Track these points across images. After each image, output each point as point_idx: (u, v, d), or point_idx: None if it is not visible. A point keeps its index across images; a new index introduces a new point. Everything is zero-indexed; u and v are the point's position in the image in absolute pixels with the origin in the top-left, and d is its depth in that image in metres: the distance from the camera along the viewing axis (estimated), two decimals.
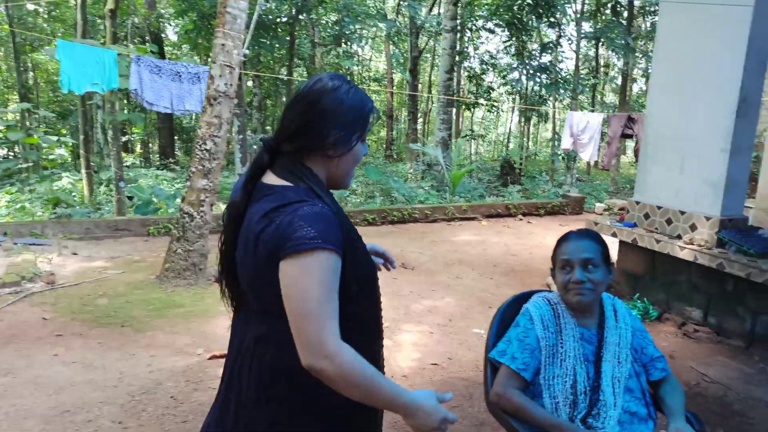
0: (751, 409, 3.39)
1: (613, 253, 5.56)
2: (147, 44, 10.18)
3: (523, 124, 19.27)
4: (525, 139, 20.91)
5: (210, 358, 3.82)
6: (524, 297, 2.24)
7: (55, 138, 9.41)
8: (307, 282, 1.17)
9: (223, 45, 5.08)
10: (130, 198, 9.41)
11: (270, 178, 1.34)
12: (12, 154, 14.19)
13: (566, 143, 8.68)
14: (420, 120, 23.18)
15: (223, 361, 3.77)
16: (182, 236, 5.28)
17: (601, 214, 9.76)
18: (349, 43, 13.84)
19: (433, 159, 12.00)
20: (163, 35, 18.41)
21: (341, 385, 1.18)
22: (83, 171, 12.26)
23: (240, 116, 10.33)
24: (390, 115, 24.94)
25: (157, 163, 18.96)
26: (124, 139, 20.73)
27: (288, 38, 11.39)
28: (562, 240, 2.05)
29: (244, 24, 5.27)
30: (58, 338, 4.11)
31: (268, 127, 25.49)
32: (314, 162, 1.35)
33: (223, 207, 11.63)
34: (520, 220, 9.11)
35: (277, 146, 1.35)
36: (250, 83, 20.26)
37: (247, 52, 5.13)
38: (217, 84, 5.11)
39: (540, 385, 1.95)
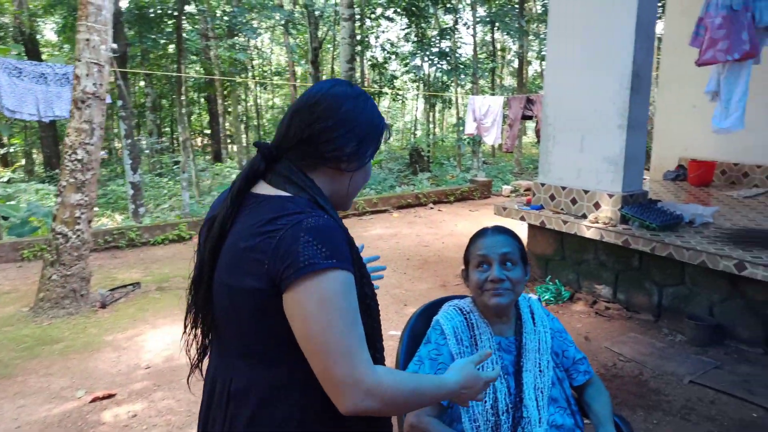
0: (666, 386, 3.38)
1: (523, 237, 5.58)
2: (10, 44, 9.13)
3: (428, 111, 19.39)
4: (431, 125, 21.08)
5: (92, 401, 3.34)
6: (434, 305, 1.99)
7: None
8: (330, 313, 1.01)
9: (87, 40, 4.49)
10: (5, 218, 8.42)
11: (263, 189, 1.17)
12: None
13: (470, 128, 8.66)
14: None
15: (107, 402, 3.32)
16: (57, 260, 4.67)
17: (508, 196, 9.90)
18: (245, 36, 13.22)
19: None
20: (40, 35, 16.86)
21: (388, 413, 1.09)
22: None
23: (126, 119, 9.52)
24: None
25: (43, 175, 17.39)
26: (1, 151, 18.86)
27: (174, 32, 10.63)
28: (477, 236, 1.82)
29: (111, 16, 4.70)
30: None
31: (166, 129, 24.16)
32: (320, 174, 1.20)
33: (105, 221, 10.82)
34: (431, 208, 9.02)
35: (277, 153, 1.19)
36: (142, 83, 19.06)
37: (114, 46, 4.56)
38: (84, 85, 4.53)
39: (458, 409, 1.72)
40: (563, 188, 4.82)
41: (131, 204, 9.92)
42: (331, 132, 1.15)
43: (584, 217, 4.62)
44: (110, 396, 3.40)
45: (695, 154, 6.63)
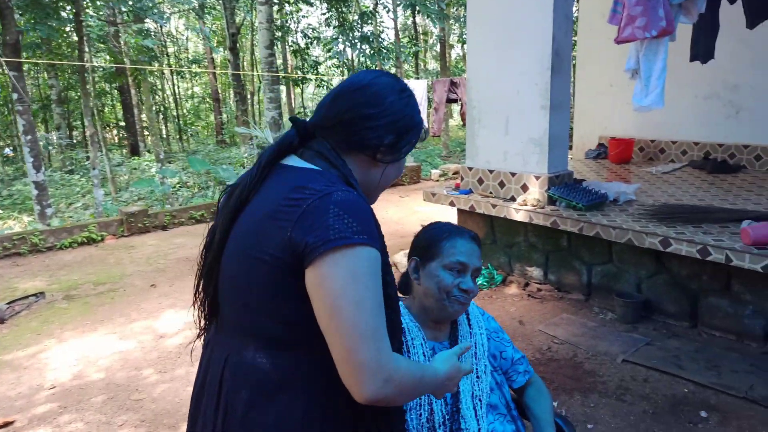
0: (600, 366, 3.37)
1: (452, 222, 5.52)
2: None
3: None
4: None
5: None
6: None
7: None
8: (360, 291, 0.96)
9: None
10: None
11: (293, 161, 1.15)
12: None
13: None
14: (249, 101, 22.03)
15: (4, 431, 2.95)
16: None
17: (437, 181, 9.87)
18: (156, 21, 12.43)
19: (264, 141, 11.26)
20: None
21: (397, 402, 1.04)
22: None
23: (24, 113, 8.71)
24: (216, 98, 23.49)
25: None
26: None
27: (72, 18, 9.81)
28: (451, 235, 1.60)
29: None
30: None
31: (76, 122, 22.61)
32: (354, 160, 1.17)
33: (12, 223, 9.91)
34: None
35: (312, 131, 1.18)
36: (45, 74, 17.65)
37: None
38: None
39: None
40: (491, 171, 4.75)
41: (36, 205, 9.12)
42: (375, 120, 1.14)
43: (513, 199, 4.57)
44: (7, 424, 3.03)
45: (615, 132, 6.78)
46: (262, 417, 1.08)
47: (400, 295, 1.70)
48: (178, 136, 26.98)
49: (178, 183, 13.20)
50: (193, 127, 27.47)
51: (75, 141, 21.91)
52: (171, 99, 26.92)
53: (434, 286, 1.57)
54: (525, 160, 4.46)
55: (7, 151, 18.81)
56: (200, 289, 1.20)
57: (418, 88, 8.38)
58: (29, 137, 8.80)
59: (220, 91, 24.79)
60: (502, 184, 4.69)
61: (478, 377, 1.65)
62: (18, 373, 3.59)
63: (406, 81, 8.91)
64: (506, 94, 4.47)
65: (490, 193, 4.79)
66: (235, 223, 1.13)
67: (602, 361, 3.43)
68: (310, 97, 27.78)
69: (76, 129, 23.31)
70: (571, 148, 7.18)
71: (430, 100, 9.27)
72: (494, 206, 4.56)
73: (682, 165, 6.03)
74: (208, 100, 27.19)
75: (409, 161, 11.13)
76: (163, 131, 27.88)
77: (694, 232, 3.55)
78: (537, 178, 4.39)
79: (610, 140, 6.51)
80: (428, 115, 9.17)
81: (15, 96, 8.59)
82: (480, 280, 4.69)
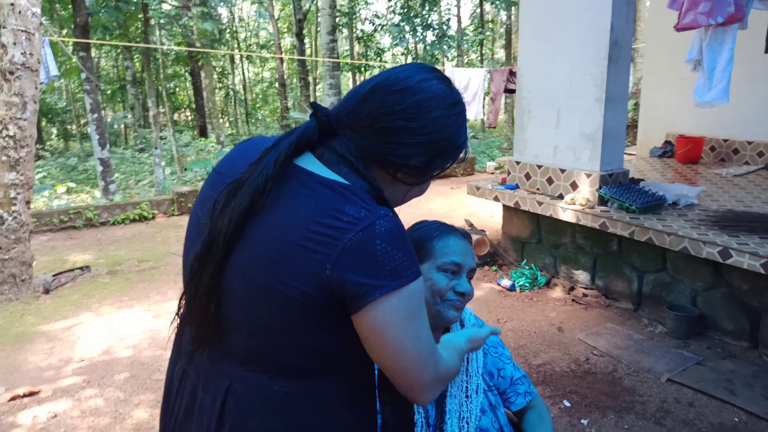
0: (641, 384, 3.08)
1: (497, 217, 5.30)
2: None
3: None
4: None
5: (11, 399, 3.03)
6: None
7: None
8: (417, 326, 0.93)
9: (12, 5, 4.06)
10: None
11: (311, 164, 0.97)
12: None
13: None
14: (312, 87, 22.20)
15: (28, 401, 3.01)
16: None
17: (492, 173, 9.54)
18: (223, 5, 12.67)
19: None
20: None
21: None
22: None
23: (91, 93, 9.06)
24: (282, 83, 23.85)
25: None
26: None
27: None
28: (441, 233, 1.44)
29: None
30: None
31: (149, 102, 23.55)
32: (375, 173, 1.00)
33: (84, 197, 10.26)
34: None
35: (336, 126, 0.99)
36: (121, 57, 18.39)
37: (37, 11, 4.14)
38: (12, 54, 4.11)
39: None
40: (539, 167, 4.48)
41: (101, 181, 9.53)
42: (411, 135, 0.97)
43: (561, 198, 4.28)
44: (33, 394, 3.10)
45: (683, 130, 6.28)
46: None
47: None
48: (245, 120, 27.70)
49: None
50: (260, 111, 28.06)
51: (148, 121, 22.83)
52: (241, 84, 27.59)
53: (427, 290, 1.39)
54: (576, 156, 4.16)
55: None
56: (196, 306, 0.98)
57: (475, 77, 8.09)
58: (95, 116, 9.16)
59: (286, 76, 25.15)
60: (550, 181, 4.41)
61: (467, 397, 1.47)
62: (52, 344, 3.69)
63: (461, 70, 8.68)
64: (558, 84, 4.17)
65: (537, 189, 4.52)
66: (242, 233, 0.93)
67: (644, 379, 3.14)
68: None
69: (148, 110, 24.30)
70: (634, 144, 6.72)
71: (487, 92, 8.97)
72: (540, 204, 4.29)
73: (757, 168, 5.50)
74: (275, 85, 27.69)
75: None
76: (232, 114, 28.69)
77: (759, 243, 3.18)
78: (588, 175, 4.09)
79: (677, 138, 6.03)
80: (485, 105, 8.85)
81: (83, 76, 8.95)
82: (522, 281, 4.45)
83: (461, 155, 1.07)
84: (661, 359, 3.32)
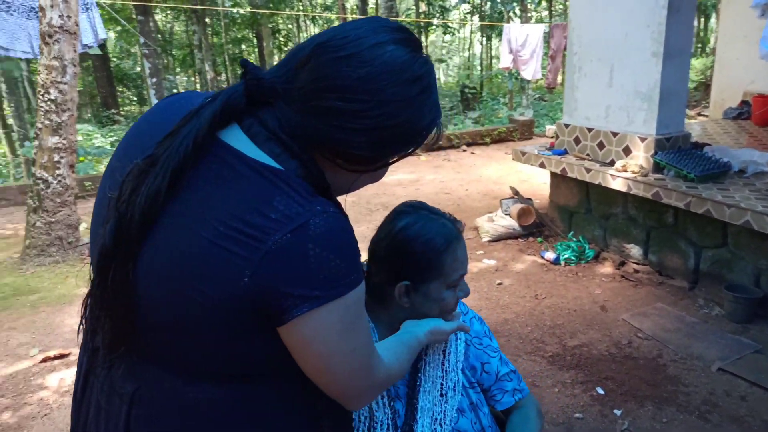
0: (688, 373, 2.79)
1: (545, 185, 4.96)
2: None
3: (483, 44, 18.19)
4: (485, 60, 19.83)
5: (43, 361, 3.12)
6: None
7: None
8: (352, 338, 0.81)
9: None
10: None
11: (238, 140, 0.79)
12: None
13: (505, 61, 7.79)
14: None
15: (58, 363, 3.09)
16: (39, 206, 4.46)
17: (552, 137, 9.04)
18: None
19: None
20: None
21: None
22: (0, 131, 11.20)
23: (150, 57, 9.22)
24: None
25: (102, 116, 17.64)
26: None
27: None
28: (449, 243, 1.21)
29: None
30: None
31: (206, 66, 23.95)
32: (316, 155, 0.84)
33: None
34: (464, 151, 8.33)
35: (269, 93, 0.80)
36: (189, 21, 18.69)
37: None
38: (50, 17, 4.14)
39: None
40: (589, 130, 4.10)
41: None
42: (352, 119, 0.79)
43: (612, 164, 3.92)
44: (63, 356, 3.18)
45: (763, 89, 5.61)
46: None
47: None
48: None
49: None
50: None
51: (216, 86, 23.24)
52: None
53: (435, 309, 1.23)
54: (630, 118, 3.77)
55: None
56: (102, 306, 0.82)
57: (533, 33, 7.58)
58: (154, 80, 9.34)
59: None
60: (601, 146, 4.03)
61: (442, 395, 1.29)
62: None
63: (518, 25, 8.12)
64: (612, 37, 3.76)
65: (587, 155, 4.16)
66: (154, 220, 0.77)
67: (692, 367, 2.84)
68: (444, 45, 27.00)
69: (219, 74, 24.73)
70: (706, 105, 6.10)
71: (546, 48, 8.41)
72: (589, 171, 3.95)
73: None
74: None
75: (527, 114, 10.30)
76: None
77: None
78: (642, 139, 3.70)
79: (754, 98, 5.39)
80: (544, 63, 8.32)
81: (141, 40, 9.10)
82: (568, 254, 4.15)
83: (428, 138, 0.88)
84: (714, 345, 2.99)
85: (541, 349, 3.07)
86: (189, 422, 0.84)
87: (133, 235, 0.77)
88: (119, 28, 13.55)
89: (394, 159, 0.88)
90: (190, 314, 0.77)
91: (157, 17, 18.61)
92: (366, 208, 5.68)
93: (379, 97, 0.78)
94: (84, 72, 20.27)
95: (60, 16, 4.15)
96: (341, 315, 0.77)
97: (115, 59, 19.17)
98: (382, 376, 0.91)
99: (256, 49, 22.27)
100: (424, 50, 0.87)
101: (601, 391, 2.69)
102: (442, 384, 1.30)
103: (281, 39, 27.02)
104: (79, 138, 11.59)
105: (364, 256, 1.10)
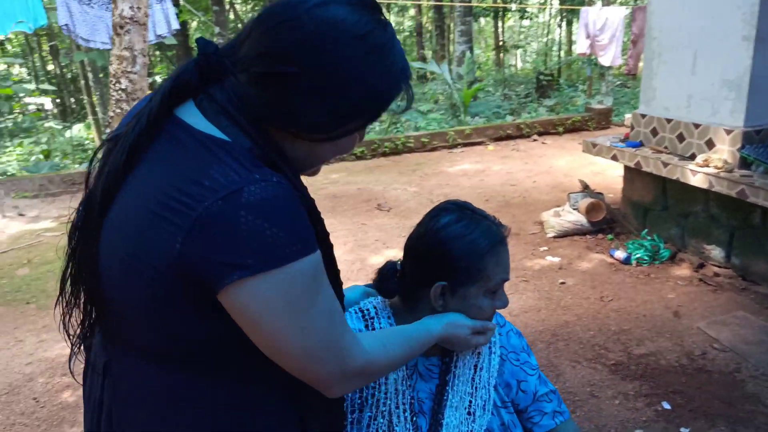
0: None
1: (620, 179, 4.65)
2: None
3: (563, 28, 17.48)
4: (564, 45, 19.05)
5: None
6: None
7: (32, 87, 8.85)
8: (302, 317, 0.76)
9: None
10: None
11: (191, 115, 0.80)
12: None
13: (582, 46, 7.39)
14: (447, 35, 21.46)
15: None
16: None
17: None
18: None
19: (439, 77, 10.80)
20: None
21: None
22: (90, 118, 11.87)
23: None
24: (419, 32, 23.41)
25: None
26: (149, 80, 20.25)
27: None
28: (493, 245, 1.13)
29: None
30: None
31: None
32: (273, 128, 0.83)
33: None
34: (534, 140, 8.01)
35: (221, 68, 0.80)
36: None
37: None
38: (122, 9, 4.27)
39: None
40: (668, 121, 3.79)
41: None
42: (295, 84, 0.76)
43: (693, 158, 3.60)
44: None
45: None
46: None
47: (380, 301, 1.27)
48: None
49: None
50: (414, 62, 27.91)
51: None
52: None
53: (470, 316, 1.15)
54: (714, 109, 3.44)
55: None
56: (77, 286, 0.89)
57: (613, 17, 7.13)
58: None
59: (423, 24, 24.60)
60: (681, 138, 3.72)
61: (470, 413, 1.19)
62: None
63: (596, 8, 7.64)
64: (696, 20, 3.43)
65: (665, 147, 3.84)
66: (115, 194, 0.81)
67: None
68: (519, 30, 26.24)
69: None
70: None
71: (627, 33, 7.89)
72: (666, 165, 3.65)
73: None
74: (412, 34, 27.27)
75: (606, 102, 9.76)
76: None
77: None
78: (728, 132, 3.37)
79: None
80: (624, 49, 7.83)
81: (216, 30, 9.34)
82: (640, 253, 3.87)
83: (394, 103, 0.82)
84: None
85: (603, 356, 2.87)
86: (145, 401, 0.85)
87: (95, 212, 0.81)
88: (197, 19, 14.02)
89: (356, 126, 0.83)
90: (137, 287, 0.77)
91: (238, 6, 19.14)
92: (427, 199, 5.56)
93: (320, 59, 0.75)
94: (167, 61, 21.23)
95: (131, 8, 4.27)
96: (283, 288, 0.73)
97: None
98: (360, 363, 0.84)
99: None
100: (385, 16, 0.82)
101: (667, 406, 2.48)
102: (470, 401, 1.19)
103: None
104: None
105: None
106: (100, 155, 0.86)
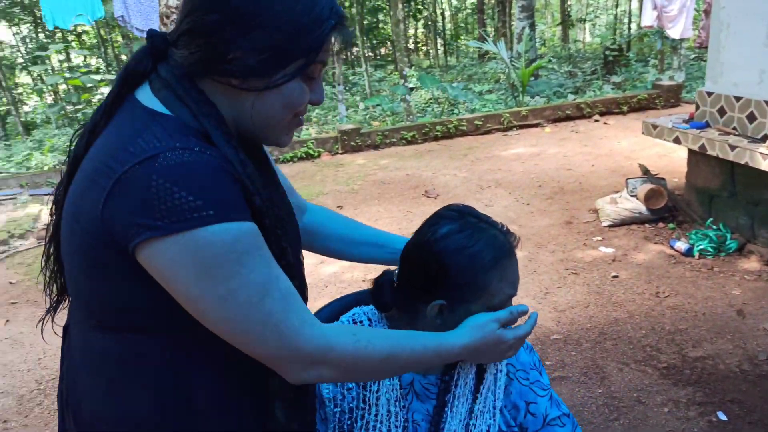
0: None
1: (680, 162, 4.30)
2: None
3: None
4: (635, 18, 17.98)
5: None
6: (345, 308, 1.32)
7: (98, 77, 9.22)
8: (217, 283, 0.75)
9: None
10: None
11: (144, 95, 0.85)
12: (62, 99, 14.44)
13: (648, 18, 6.90)
14: (508, 11, 20.75)
15: None
16: None
17: None
18: None
19: (496, 55, 10.41)
20: None
21: (359, 377, 1.00)
22: None
23: None
24: (480, 9, 22.83)
25: None
26: None
27: None
28: (498, 258, 1.02)
29: None
30: (10, 307, 3.82)
31: (382, 51, 24.34)
32: (212, 89, 0.84)
33: None
34: (596, 121, 7.59)
35: (170, 46, 0.86)
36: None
37: None
38: None
39: None
40: (737, 99, 3.45)
41: None
42: (219, 35, 0.79)
43: (765, 140, 3.26)
44: None
45: None
46: (104, 409, 0.88)
47: (377, 311, 1.18)
48: (444, 51, 27.44)
49: (431, 99, 13.28)
50: (461, 41, 27.40)
51: (344, 57, 23.71)
52: (441, 12, 27.08)
53: None
54: None
55: None
56: (50, 253, 0.97)
57: None
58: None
59: (485, 0, 23.95)
60: (751, 117, 3.37)
61: None
62: None
63: None
64: None
65: (734, 128, 3.51)
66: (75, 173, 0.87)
67: None
68: (587, 2, 25.11)
69: (353, 45, 25.15)
70: None
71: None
72: (734, 148, 3.32)
73: None
74: (473, 11, 26.63)
75: (678, 78, 9.13)
76: (432, 46, 28.50)
77: None
78: None
79: None
80: (695, 21, 7.26)
81: None
82: (704, 244, 3.57)
83: (329, 35, 0.83)
84: None
85: (654, 358, 2.66)
86: (94, 364, 0.88)
87: (63, 187, 0.89)
88: None
89: (294, 70, 0.82)
90: (76, 254, 0.82)
91: None
92: (477, 185, 5.37)
93: (240, 1, 0.78)
94: None
95: None
96: (193, 252, 0.74)
97: None
98: (315, 349, 0.81)
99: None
100: None
101: (723, 417, 2.26)
102: (474, 424, 1.08)
103: (413, 5, 26.79)
104: None
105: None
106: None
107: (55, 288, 0.98)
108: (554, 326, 3.01)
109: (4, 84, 12.59)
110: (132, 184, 0.74)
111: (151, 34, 0.88)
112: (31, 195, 5.93)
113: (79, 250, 0.82)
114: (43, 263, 0.97)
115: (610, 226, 4.14)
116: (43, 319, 1.00)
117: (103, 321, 0.86)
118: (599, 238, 4.00)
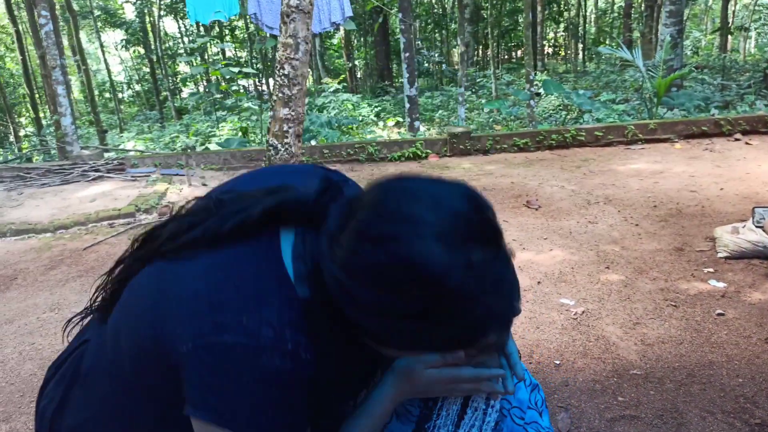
0: None
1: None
2: None
3: None
4: None
5: None
6: None
7: (236, 69, 9.94)
8: None
9: None
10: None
11: (285, 241, 0.88)
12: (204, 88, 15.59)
13: None
14: (656, 15, 19.28)
15: None
16: None
17: None
18: None
19: (631, 63, 9.70)
20: None
21: None
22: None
23: (405, 32, 9.61)
24: (627, 13, 21.53)
25: (377, 87, 19.38)
26: (349, 64, 21.57)
27: None
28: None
29: None
30: None
31: (458, 40, 23.99)
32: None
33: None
34: (737, 140, 6.83)
35: (314, 220, 0.86)
36: None
37: None
38: None
39: None
40: None
41: (407, 117, 10.21)
42: (410, 317, 0.76)
43: None
44: None
45: None
46: (83, 427, 0.93)
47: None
48: (583, 56, 26.32)
49: (559, 106, 12.78)
50: (604, 45, 26.07)
51: (486, 60, 23.50)
52: (582, 15, 25.91)
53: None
54: None
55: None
56: (121, 271, 0.96)
57: None
58: (407, 54, 9.72)
59: (633, 4, 22.51)
60: None
61: None
62: None
63: None
64: None
65: None
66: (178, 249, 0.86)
67: None
68: (753, 9, 22.72)
69: (487, 47, 24.81)
70: None
71: None
72: None
73: None
74: (619, 16, 25.14)
75: None
76: (573, 50, 27.35)
77: None
78: None
79: None
80: None
81: (399, 15, 9.51)
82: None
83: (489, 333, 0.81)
84: None
85: (747, 411, 2.35)
86: (91, 390, 0.93)
87: (168, 246, 0.85)
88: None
89: (424, 349, 0.85)
90: (132, 339, 0.84)
91: None
92: (584, 199, 5.07)
93: (408, 291, 0.75)
94: (368, 47, 22.34)
95: None
96: None
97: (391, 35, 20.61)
98: None
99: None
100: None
101: None
102: None
103: (557, 7, 25.83)
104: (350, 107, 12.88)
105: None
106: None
107: (99, 298, 0.99)
108: (637, 360, 2.77)
109: (166, 72, 14.01)
110: (187, 352, 0.74)
111: (327, 188, 0.86)
112: (162, 174, 6.54)
113: (131, 345, 0.84)
114: (106, 277, 0.98)
115: (726, 258, 3.72)
116: (71, 322, 1.06)
117: (117, 375, 0.88)
118: (711, 270, 3.61)
